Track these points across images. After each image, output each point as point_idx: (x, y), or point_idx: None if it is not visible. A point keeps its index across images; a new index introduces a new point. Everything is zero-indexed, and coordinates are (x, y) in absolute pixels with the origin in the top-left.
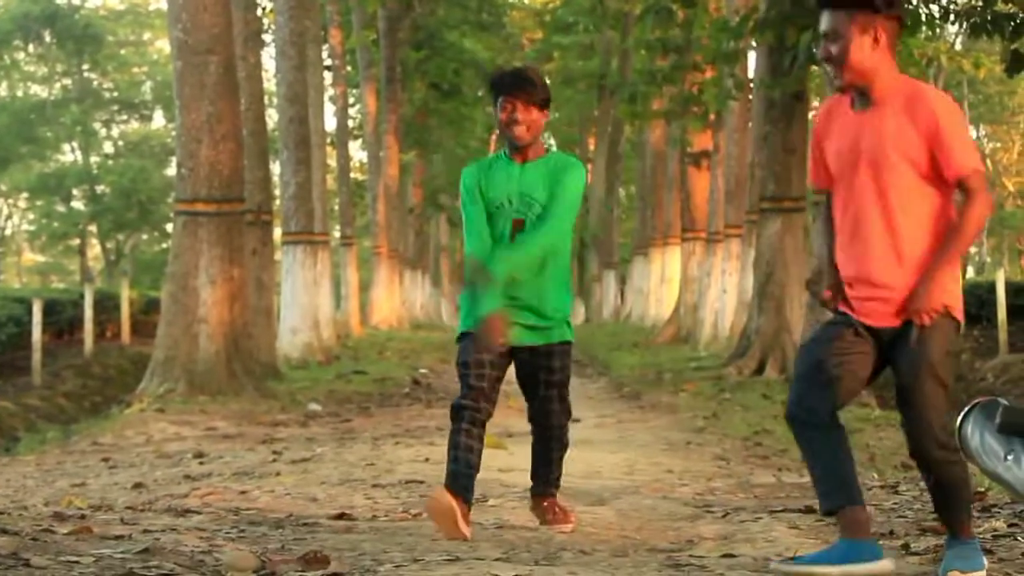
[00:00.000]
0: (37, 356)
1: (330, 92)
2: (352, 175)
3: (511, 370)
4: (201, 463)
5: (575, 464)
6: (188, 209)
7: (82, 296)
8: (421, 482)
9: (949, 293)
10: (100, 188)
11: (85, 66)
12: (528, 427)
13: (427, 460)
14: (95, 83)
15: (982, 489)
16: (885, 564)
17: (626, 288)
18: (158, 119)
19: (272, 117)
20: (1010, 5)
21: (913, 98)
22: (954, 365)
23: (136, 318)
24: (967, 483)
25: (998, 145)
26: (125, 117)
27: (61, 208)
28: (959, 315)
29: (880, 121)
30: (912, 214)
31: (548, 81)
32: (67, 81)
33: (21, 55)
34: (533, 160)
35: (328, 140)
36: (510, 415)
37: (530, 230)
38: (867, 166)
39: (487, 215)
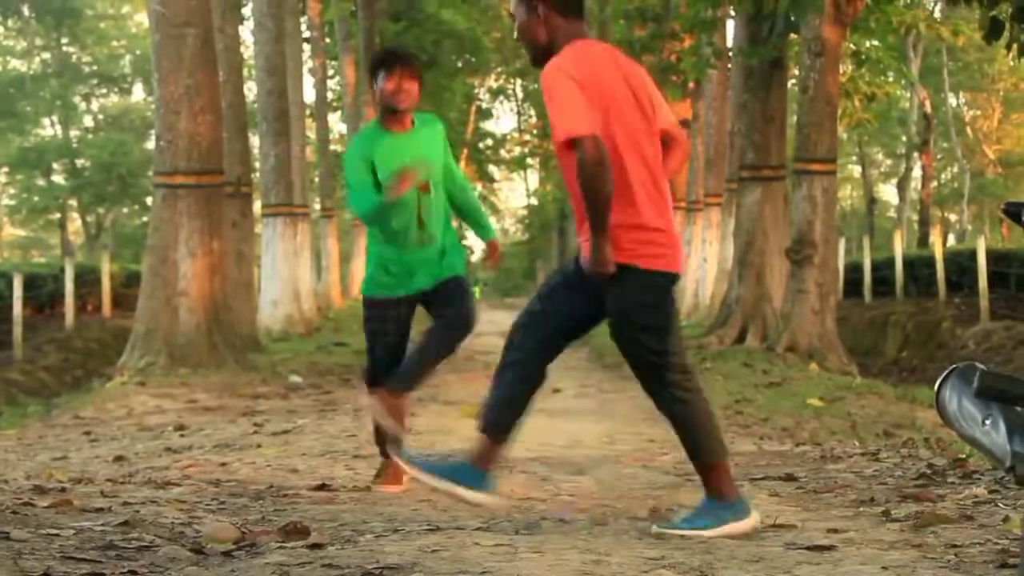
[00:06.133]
0: (18, 330)
1: (309, 64)
2: (331, 147)
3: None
4: (182, 436)
5: (556, 434)
6: (167, 182)
7: (63, 270)
8: None
9: (620, 249)
10: (80, 162)
11: (64, 40)
12: None
13: (408, 431)
14: (74, 57)
15: (963, 456)
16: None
17: None
18: (138, 92)
19: (251, 89)
20: None
21: None
22: (654, 313)
23: (117, 291)
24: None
25: (978, 113)
26: (105, 91)
27: (41, 182)
28: (643, 263)
29: None
30: (568, 178)
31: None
32: (46, 55)
33: (0, 30)
34: (412, 128)
35: (307, 112)
36: (489, 385)
37: (475, 203)
38: None
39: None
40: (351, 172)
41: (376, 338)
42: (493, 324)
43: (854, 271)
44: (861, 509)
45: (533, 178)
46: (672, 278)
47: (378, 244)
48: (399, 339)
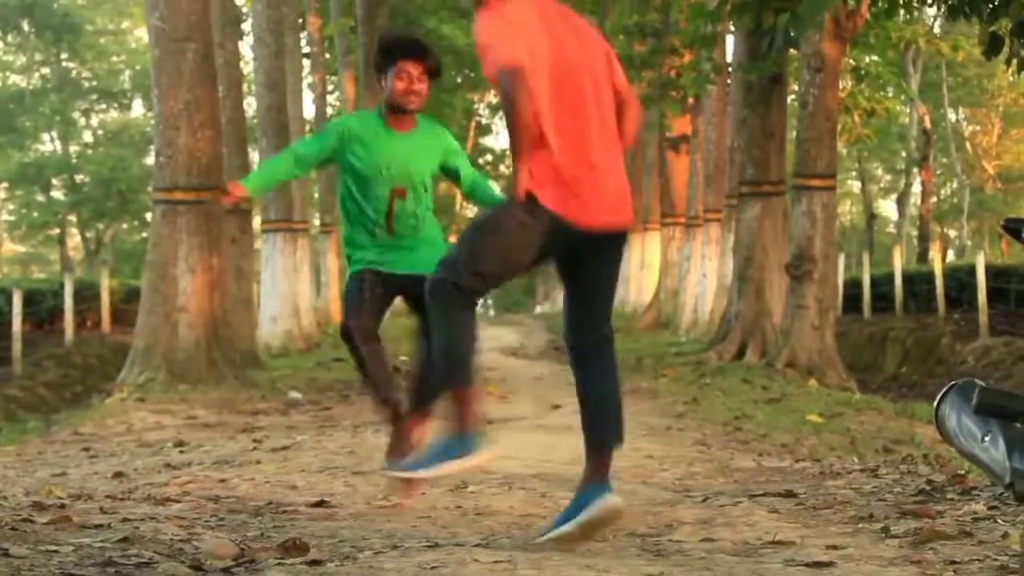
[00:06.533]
0: (17, 346)
1: (308, 79)
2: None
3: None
4: (181, 452)
5: (556, 450)
6: (167, 197)
7: (62, 286)
8: None
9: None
10: (80, 177)
11: (64, 55)
12: (507, 414)
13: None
14: (74, 72)
15: (962, 472)
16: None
17: None
18: (137, 108)
19: (251, 105)
20: None
21: None
22: (493, 234)
23: (116, 307)
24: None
25: (977, 128)
26: (104, 106)
27: (41, 198)
28: (542, 197)
29: None
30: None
31: None
32: (46, 70)
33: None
34: (409, 130)
35: (307, 127)
36: (488, 401)
37: (481, 183)
38: None
39: (362, 178)
40: (321, 132)
41: (351, 298)
42: (494, 340)
43: (853, 287)
44: (860, 525)
45: None
46: (563, 226)
47: (350, 233)
48: (373, 307)
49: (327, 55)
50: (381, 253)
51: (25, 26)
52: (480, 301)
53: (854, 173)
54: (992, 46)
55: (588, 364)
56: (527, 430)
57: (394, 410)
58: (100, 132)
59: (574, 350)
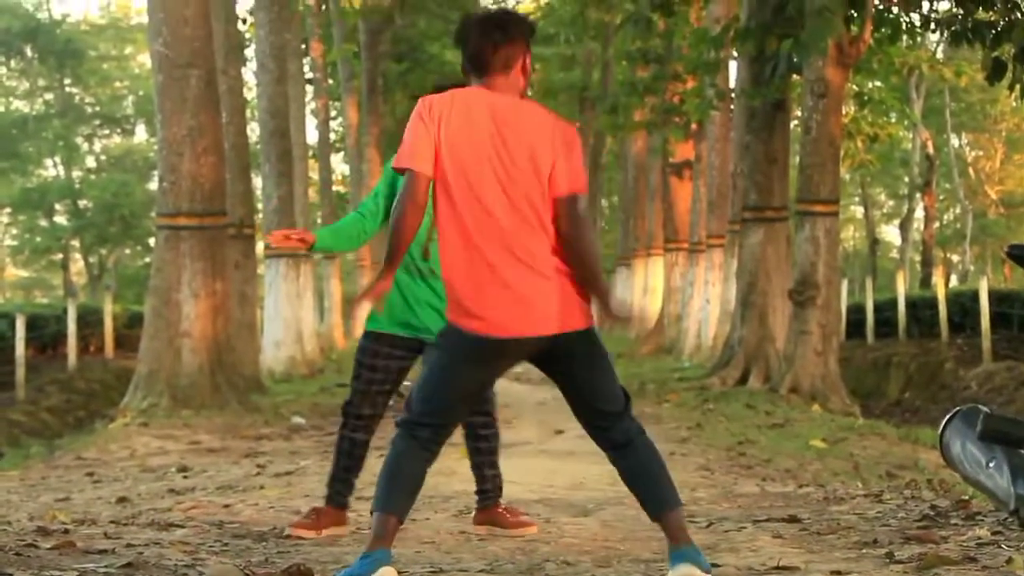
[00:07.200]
0: (21, 371)
1: (311, 105)
2: (334, 188)
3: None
4: (185, 477)
5: (559, 476)
6: (170, 223)
7: (65, 311)
8: None
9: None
10: (83, 203)
11: (67, 81)
12: (511, 440)
13: None
14: (77, 98)
15: (966, 497)
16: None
17: None
18: (140, 133)
19: (254, 130)
20: (990, 13)
21: None
22: (426, 367)
23: (119, 332)
24: None
25: (980, 153)
26: (107, 131)
27: (44, 223)
28: (450, 316)
29: None
30: None
31: (530, 93)
32: (49, 96)
33: (3, 70)
34: None
35: (310, 153)
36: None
37: None
38: None
39: None
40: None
41: (360, 372)
42: None
43: (857, 312)
44: (864, 551)
45: None
46: (475, 340)
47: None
48: (382, 384)
49: (330, 81)
50: (405, 301)
51: (28, 52)
52: (438, 446)
53: (857, 199)
54: (995, 72)
55: (619, 460)
56: (530, 455)
57: (332, 506)
58: (103, 157)
59: (602, 448)
